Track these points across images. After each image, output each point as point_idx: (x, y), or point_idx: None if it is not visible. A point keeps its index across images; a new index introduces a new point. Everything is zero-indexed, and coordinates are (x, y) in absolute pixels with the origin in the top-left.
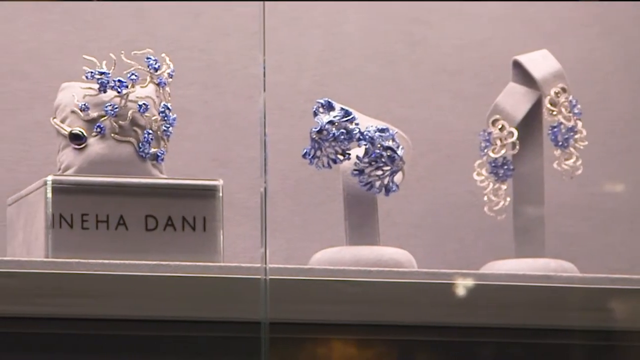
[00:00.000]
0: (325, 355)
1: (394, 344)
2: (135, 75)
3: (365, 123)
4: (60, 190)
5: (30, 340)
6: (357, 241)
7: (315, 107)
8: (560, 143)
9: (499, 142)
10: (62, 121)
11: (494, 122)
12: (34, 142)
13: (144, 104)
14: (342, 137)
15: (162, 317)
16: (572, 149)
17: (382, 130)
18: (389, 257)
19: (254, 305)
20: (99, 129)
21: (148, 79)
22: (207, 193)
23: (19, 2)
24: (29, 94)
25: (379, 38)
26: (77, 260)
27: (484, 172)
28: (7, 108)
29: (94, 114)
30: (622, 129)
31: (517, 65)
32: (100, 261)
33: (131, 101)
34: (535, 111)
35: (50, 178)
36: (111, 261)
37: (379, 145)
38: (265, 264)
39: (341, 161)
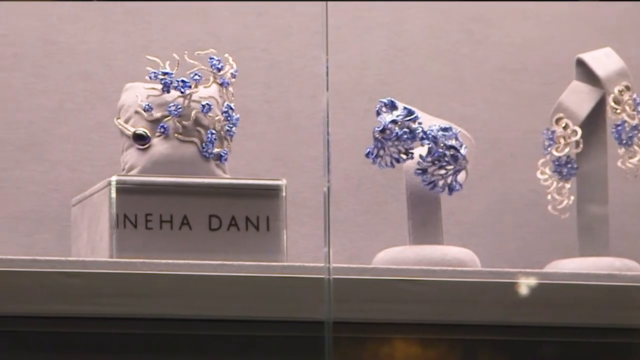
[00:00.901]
0: (388, 355)
1: (457, 343)
2: (199, 76)
3: (429, 122)
4: (124, 190)
5: (94, 340)
6: (421, 240)
7: (378, 106)
8: (624, 141)
9: (562, 141)
10: (126, 121)
11: (557, 121)
12: (97, 142)
13: (207, 104)
14: (405, 136)
15: (225, 317)
16: (636, 147)
17: (445, 129)
18: (453, 256)
19: (318, 304)
20: (162, 129)
21: (211, 79)
22: (271, 193)
23: (82, 3)
24: (92, 95)
25: (442, 37)
26: (141, 260)
27: (547, 170)
28: (71, 109)
29: (157, 114)
30: None
31: (581, 64)
32: (164, 261)
33: (194, 101)
34: (598, 109)
35: (114, 178)
36: (175, 261)
37: (442, 144)
38: (329, 263)
39: (404, 160)
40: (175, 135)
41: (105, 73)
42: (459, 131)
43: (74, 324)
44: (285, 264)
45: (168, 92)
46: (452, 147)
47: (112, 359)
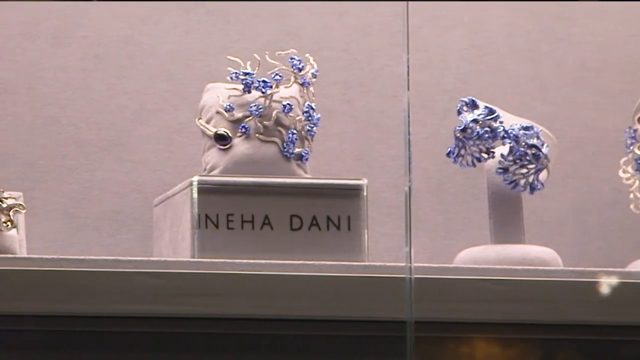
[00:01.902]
0: (469, 354)
1: (538, 342)
2: (280, 76)
3: (510, 121)
4: (206, 190)
5: (175, 340)
6: (502, 240)
7: (459, 105)
8: None
9: None
10: (207, 122)
11: (639, 119)
12: (179, 143)
13: (288, 104)
14: (487, 135)
15: (306, 317)
16: None
17: (526, 128)
18: (535, 255)
19: (399, 304)
20: (243, 130)
21: (292, 79)
22: (352, 192)
23: (164, 4)
24: (174, 95)
25: (522, 35)
26: (222, 260)
27: (629, 169)
28: (152, 109)
29: (238, 114)
30: None
31: None
32: (246, 261)
33: (275, 101)
34: None
35: (196, 179)
36: (256, 261)
37: (523, 144)
38: (410, 263)
39: (485, 159)
40: (257, 135)
41: (187, 73)
42: (541, 130)
43: (156, 324)
44: (366, 263)
45: (249, 92)
46: (533, 146)
47: (194, 358)
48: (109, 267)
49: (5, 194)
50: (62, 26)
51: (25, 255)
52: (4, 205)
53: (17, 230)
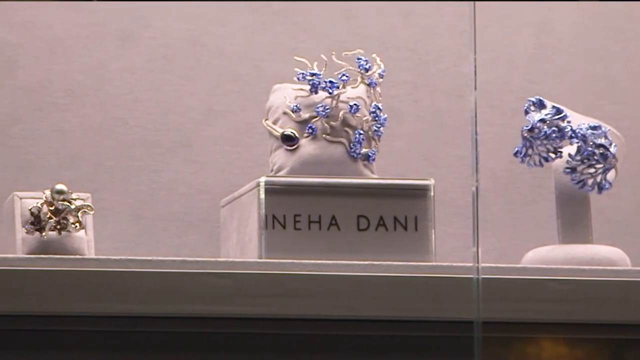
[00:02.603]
0: (536, 355)
1: (605, 343)
2: (346, 76)
3: (577, 121)
4: (273, 191)
5: (242, 340)
6: (570, 239)
7: (526, 105)
8: None
9: None
10: (274, 122)
11: None
12: (246, 143)
13: (355, 104)
14: (554, 135)
15: (374, 317)
16: None
17: (594, 128)
18: (603, 255)
19: (467, 304)
20: (310, 130)
21: (359, 79)
22: (419, 192)
23: (231, 4)
24: (241, 96)
25: (590, 35)
26: (289, 260)
27: None
28: (219, 110)
29: (305, 115)
30: None
31: None
32: (313, 261)
33: (342, 102)
34: None
35: (263, 179)
36: (323, 261)
37: (591, 143)
38: (478, 263)
39: (553, 159)
40: (323, 135)
41: (254, 74)
42: (609, 129)
43: (223, 324)
44: (434, 263)
45: (316, 92)
46: (601, 145)
47: (261, 358)
48: (176, 268)
49: (74, 195)
50: (129, 27)
51: (93, 256)
52: (73, 207)
53: (86, 231)
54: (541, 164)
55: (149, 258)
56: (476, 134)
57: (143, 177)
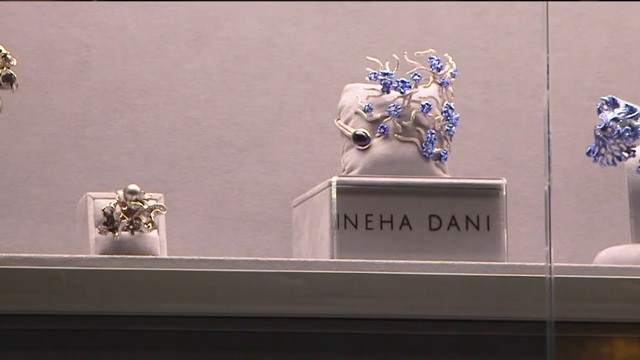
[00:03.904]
0: (609, 354)
1: None
2: (418, 76)
3: None
4: (345, 191)
5: (315, 339)
6: None
7: (599, 104)
8: None
9: None
10: (346, 122)
11: None
12: (318, 143)
13: (427, 104)
14: (627, 134)
15: (445, 317)
16: None
17: None
18: None
19: (539, 304)
20: (382, 130)
21: (431, 78)
22: (491, 192)
23: (303, 4)
24: (313, 96)
25: None
26: (362, 260)
27: None
28: (291, 110)
29: (377, 114)
30: None
31: None
32: (385, 261)
33: (414, 101)
34: None
35: (335, 179)
36: (395, 261)
37: None
38: (550, 262)
39: (626, 158)
40: (395, 135)
41: (326, 74)
42: None
43: (295, 324)
44: (506, 263)
45: (388, 92)
46: None
47: (331, 358)
48: (249, 267)
49: (147, 195)
50: (202, 28)
51: (165, 256)
52: (145, 207)
53: (158, 231)
54: (614, 163)
55: (222, 258)
56: (549, 133)
57: (215, 177)
